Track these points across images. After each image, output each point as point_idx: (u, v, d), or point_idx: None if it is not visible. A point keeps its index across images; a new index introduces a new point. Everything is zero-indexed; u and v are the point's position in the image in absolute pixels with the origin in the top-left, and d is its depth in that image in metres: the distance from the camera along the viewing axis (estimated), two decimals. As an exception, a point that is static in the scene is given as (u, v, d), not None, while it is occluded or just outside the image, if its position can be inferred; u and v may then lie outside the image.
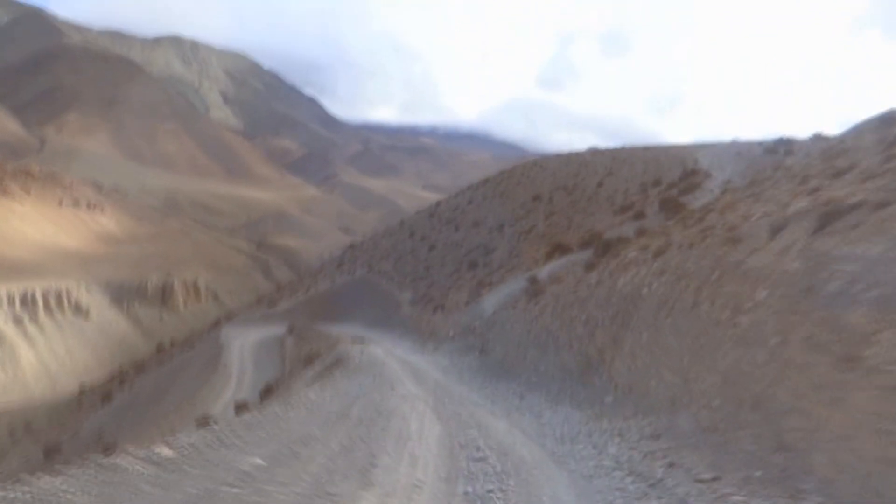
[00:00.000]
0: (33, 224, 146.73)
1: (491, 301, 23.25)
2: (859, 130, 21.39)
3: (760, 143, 42.36)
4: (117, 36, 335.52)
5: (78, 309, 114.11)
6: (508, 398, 13.05)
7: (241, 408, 16.14)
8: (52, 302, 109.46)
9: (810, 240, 6.98)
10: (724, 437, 6.28)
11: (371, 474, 5.67)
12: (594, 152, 57.09)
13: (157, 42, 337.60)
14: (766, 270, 7.33)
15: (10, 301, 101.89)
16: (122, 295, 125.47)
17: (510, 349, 16.85)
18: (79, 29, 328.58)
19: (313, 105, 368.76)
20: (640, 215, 28.08)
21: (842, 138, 21.10)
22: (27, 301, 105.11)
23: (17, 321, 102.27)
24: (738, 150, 40.99)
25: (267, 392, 21.02)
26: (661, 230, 17.88)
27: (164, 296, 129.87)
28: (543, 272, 22.57)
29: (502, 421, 10.30)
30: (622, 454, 7.22)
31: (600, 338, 12.21)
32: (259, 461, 5.35)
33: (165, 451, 5.23)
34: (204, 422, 11.69)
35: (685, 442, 6.76)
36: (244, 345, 36.35)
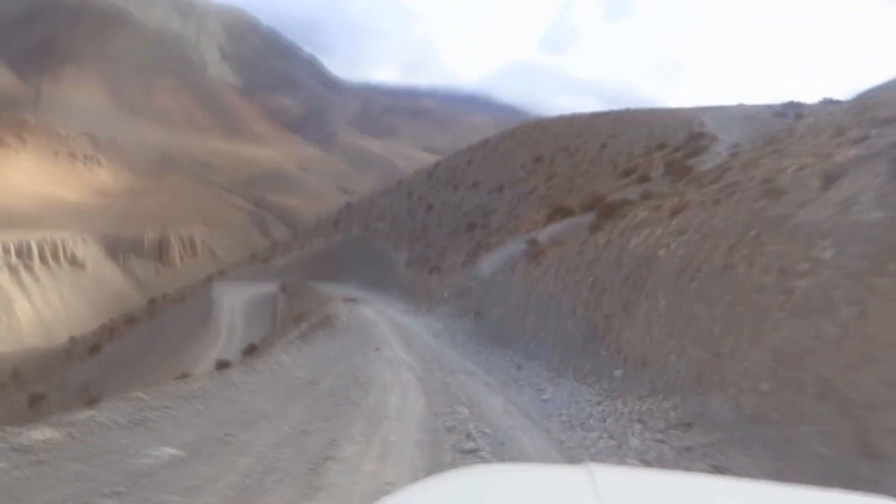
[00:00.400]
0: (29, 175, 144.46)
1: (488, 263, 21.87)
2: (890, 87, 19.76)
3: (769, 107, 40.76)
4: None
5: (74, 260, 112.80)
6: (505, 367, 11.68)
7: (222, 366, 14.88)
8: (48, 253, 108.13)
9: (891, 186, 5.52)
10: (781, 433, 4.84)
11: (322, 474, 4.14)
12: (597, 115, 55.08)
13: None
14: (827, 224, 5.89)
15: (6, 250, 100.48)
16: (119, 248, 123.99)
17: (507, 313, 15.50)
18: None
19: (312, 64, 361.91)
20: (644, 178, 26.65)
21: (868, 94, 19.48)
22: (23, 251, 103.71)
23: (13, 270, 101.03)
24: (745, 114, 39.38)
25: (249, 352, 19.78)
26: (672, 192, 16.44)
27: (161, 250, 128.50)
28: (544, 234, 21.18)
29: (498, 396, 8.82)
30: (648, 449, 5.75)
31: (608, 303, 10.83)
32: (172, 451, 3.92)
33: (45, 434, 3.83)
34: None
35: (729, 435, 5.31)
36: (236, 301, 35.10)
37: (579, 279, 12.76)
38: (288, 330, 20.84)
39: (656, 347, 8.28)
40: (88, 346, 47.50)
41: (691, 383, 6.79)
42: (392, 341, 12.89)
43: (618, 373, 8.90)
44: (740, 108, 44.18)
